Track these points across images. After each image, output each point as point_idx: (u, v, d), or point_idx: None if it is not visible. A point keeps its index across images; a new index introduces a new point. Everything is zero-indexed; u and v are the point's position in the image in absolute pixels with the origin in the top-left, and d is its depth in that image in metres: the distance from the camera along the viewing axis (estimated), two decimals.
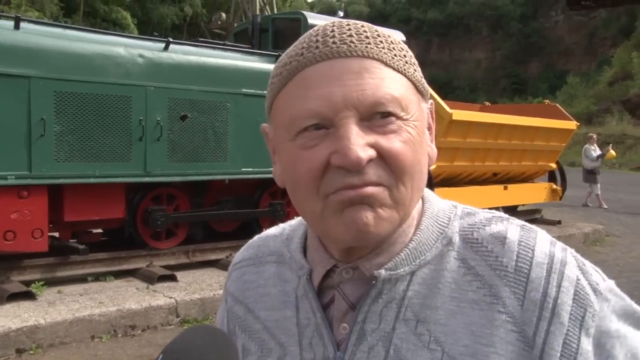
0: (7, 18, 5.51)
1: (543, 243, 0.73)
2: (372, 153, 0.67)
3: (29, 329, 4.43)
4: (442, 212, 0.78)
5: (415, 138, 0.69)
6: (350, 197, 0.67)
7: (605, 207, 13.79)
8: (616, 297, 0.74)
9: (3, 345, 4.31)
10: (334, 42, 0.69)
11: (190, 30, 33.82)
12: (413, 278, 0.73)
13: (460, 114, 8.79)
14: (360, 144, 0.66)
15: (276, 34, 7.95)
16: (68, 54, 5.49)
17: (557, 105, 12.07)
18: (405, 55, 0.72)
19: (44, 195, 5.33)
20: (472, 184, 9.76)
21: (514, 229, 0.75)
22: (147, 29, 27.75)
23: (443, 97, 9.50)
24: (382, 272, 0.72)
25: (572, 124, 11.11)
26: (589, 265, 0.75)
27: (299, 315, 0.78)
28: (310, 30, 0.73)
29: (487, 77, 64.51)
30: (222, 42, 7.51)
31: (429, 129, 0.77)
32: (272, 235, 0.90)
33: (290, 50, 0.73)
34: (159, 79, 6.02)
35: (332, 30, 0.70)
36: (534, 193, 11.06)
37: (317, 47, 0.69)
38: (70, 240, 6.11)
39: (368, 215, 0.67)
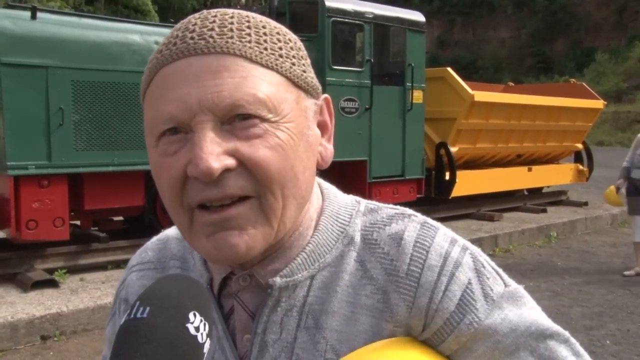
0: (24, 8, 5.53)
1: (441, 243, 0.69)
2: (230, 162, 0.60)
3: (52, 316, 4.51)
4: (344, 210, 0.73)
5: (285, 142, 0.63)
6: (214, 222, 0.62)
7: None
8: (513, 306, 0.69)
9: (28, 332, 4.39)
10: (191, 38, 0.63)
11: None
12: (313, 282, 0.69)
13: (482, 95, 8.68)
14: (214, 152, 0.59)
15: (293, 17, 7.86)
16: (84, 42, 5.51)
17: (584, 84, 11.84)
18: (281, 48, 0.65)
19: (64, 184, 5.38)
20: (495, 165, 9.63)
21: (412, 227, 0.70)
22: (167, 14, 27.81)
23: (466, 78, 9.36)
24: (277, 279, 0.68)
25: (598, 103, 10.88)
26: (490, 268, 0.70)
27: None
28: (182, 21, 0.66)
29: (511, 56, 63.31)
30: None
31: (323, 127, 0.71)
32: (173, 237, 0.81)
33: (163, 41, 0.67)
34: None
35: (195, 24, 0.64)
36: (560, 174, 10.88)
37: (175, 44, 0.63)
38: (92, 228, 6.17)
39: (237, 240, 0.62)
